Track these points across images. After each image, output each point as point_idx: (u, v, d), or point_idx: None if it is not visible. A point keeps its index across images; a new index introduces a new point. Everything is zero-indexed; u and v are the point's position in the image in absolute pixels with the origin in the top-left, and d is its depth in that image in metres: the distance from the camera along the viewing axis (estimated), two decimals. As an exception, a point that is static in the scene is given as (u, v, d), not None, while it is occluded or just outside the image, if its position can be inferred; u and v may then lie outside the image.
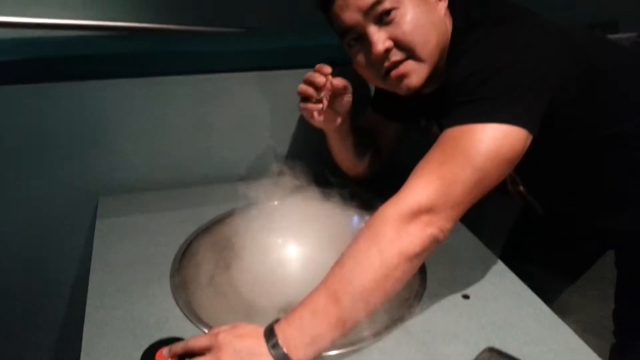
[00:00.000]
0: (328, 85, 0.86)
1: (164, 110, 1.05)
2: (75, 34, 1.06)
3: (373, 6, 0.76)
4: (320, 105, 0.89)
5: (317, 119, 0.91)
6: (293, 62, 0.90)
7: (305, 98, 0.89)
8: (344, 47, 0.84)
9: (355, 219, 0.97)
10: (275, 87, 0.99)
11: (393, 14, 0.76)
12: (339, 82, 0.87)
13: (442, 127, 0.71)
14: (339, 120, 0.93)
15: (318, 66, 0.87)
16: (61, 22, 1.03)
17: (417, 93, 0.82)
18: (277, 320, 0.64)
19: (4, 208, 1.02)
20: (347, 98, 0.90)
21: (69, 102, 0.98)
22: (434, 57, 0.79)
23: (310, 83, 0.87)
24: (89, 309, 0.76)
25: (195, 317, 0.74)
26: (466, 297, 0.79)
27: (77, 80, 0.97)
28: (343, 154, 1.01)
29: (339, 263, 0.66)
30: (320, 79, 0.86)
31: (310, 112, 0.90)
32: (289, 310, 0.65)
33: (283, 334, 0.62)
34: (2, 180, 1.00)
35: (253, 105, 1.10)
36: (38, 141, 0.99)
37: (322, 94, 0.88)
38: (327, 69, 0.86)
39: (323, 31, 0.86)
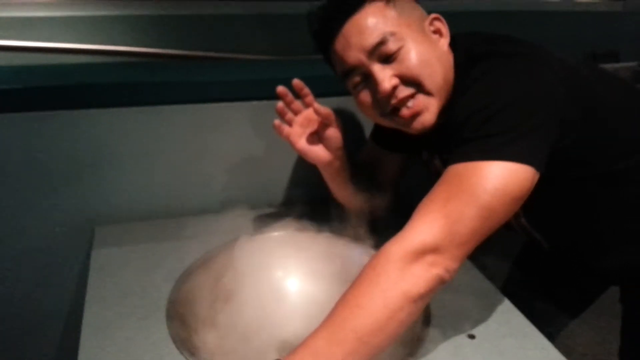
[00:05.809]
0: (311, 109, 0.84)
1: (161, 140, 1.04)
2: (71, 62, 1.05)
3: (377, 47, 0.76)
4: (294, 130, 0.87)
5: (298, 145, 0.88)
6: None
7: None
8: (347, 87, 0.83)
9: (358, 253, 0.95)
10: (274, 117, 0.99)
11: (397, 52, 0.76)
12: (320, 107, 0.83)
13: (444, 161, 0.70)
14: (326, 155, 0.88)
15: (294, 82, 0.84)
16: (55, 46, 1.02)
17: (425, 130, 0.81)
18: (276, 361, 0.62)
19: (-2, 238, 1.00)
20: (332, 131, 0.86)
21: (66, 131, 0.97)
22: (442, 91, 0.77)
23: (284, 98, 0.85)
24: (82, 345, 0.74)
25: (191, 355, 0.72)
26: (472, 337, 0.77)
27: (72, 109, 0.96)
28: (339, 190, 0.97)
29: (340, 303, 0.64)
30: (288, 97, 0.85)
31: (287, 133, 0.87)
32: (288, 348, 0.64)
33: (283, 376, 0.60)
34: (-3, 209, 0.98)
35: (251, 135, 1.09)
36: (33, 169, 0.98)
37: (300, 117, 0.86)
38: (301, 84, 0.84)
39: (323, 62, 0.86)
